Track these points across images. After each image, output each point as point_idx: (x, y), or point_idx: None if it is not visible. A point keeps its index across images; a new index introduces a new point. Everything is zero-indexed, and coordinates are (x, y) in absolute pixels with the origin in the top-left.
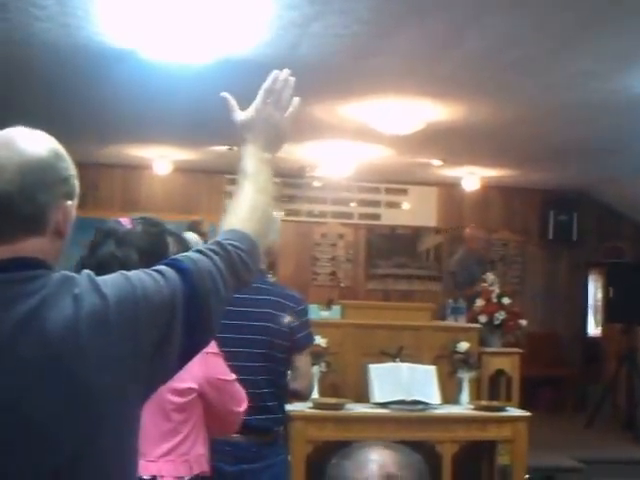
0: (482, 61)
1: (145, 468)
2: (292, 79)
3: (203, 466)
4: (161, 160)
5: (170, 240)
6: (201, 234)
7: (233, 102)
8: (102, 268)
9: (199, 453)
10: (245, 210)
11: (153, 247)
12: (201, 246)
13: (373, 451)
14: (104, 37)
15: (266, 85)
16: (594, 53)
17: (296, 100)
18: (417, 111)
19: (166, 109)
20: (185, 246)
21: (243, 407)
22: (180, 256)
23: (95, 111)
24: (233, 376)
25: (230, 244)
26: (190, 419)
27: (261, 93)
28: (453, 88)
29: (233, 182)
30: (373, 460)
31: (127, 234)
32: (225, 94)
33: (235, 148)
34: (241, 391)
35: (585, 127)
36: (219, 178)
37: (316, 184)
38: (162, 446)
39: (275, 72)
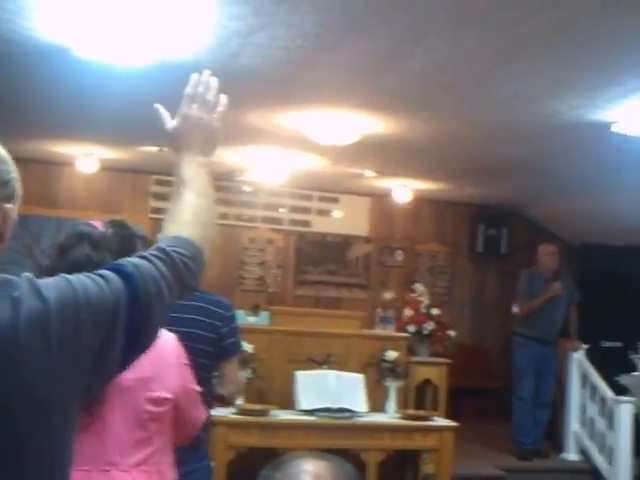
0: (422, 78)
1: (118, 478)
2: (214, 79)
3: (172, 474)
4: (87, 158)
5: (138, 243)
6: None
7: (164, 113)
8: (76, 271)
9: (169, 462)
10: (187, 215)
11: (125, 250)
12: (145, 252)
13: (306, 462)
14: (36, 32)
15: (188, 90)
16: (528, 77)
17: (224, 98)
18: (354, 123)
19: (97, 108)
20: (128, 253)
21: (203, 419)
22: (123, 261)
23: (18, 105)
24: (198, 388)
25: (174, 250)
26: (163, 429)
27: (184, 99)
28: (392, 103)
29: (160, 183)
30: (306, 471)
31: (102, 237)
32: (157, 105)
33: (165, 149)
34: (202, 404)
35: (516, 147)
36: (146, 178)
37: (247, 188)
38: (136, 455)
39: (195, 75)
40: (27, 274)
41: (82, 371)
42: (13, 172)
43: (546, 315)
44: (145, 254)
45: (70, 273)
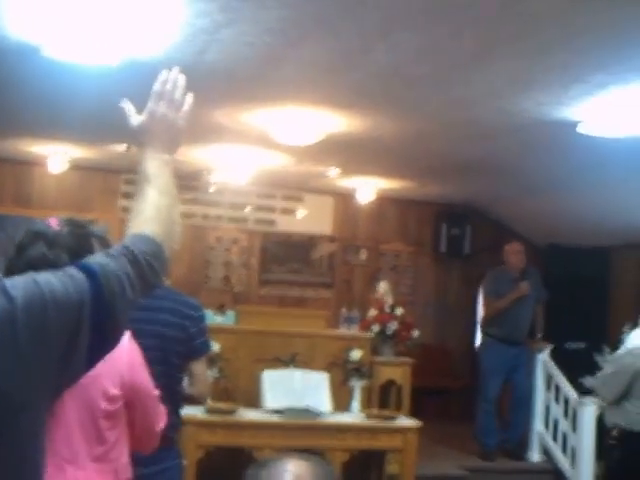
0: (388, 75)
1: (73, 476)
2: (182, 77)
3: (128, 473)
4: (56, 157)
5: (94, 242)
6: None
7: (130, 107)
8: (33, 269)
9: (125, 461)
10: (149, 213)
11: (81, 249)
12: (109, 250)
13: (289, 462)
14: (5, 31)
15: (156, 87)
16: (494, 75)
17: (190, 97)
18: (319, 121)
19: (66, 107)
20: (81, 252)
21: (163, 425)
22: (87, 259)
23: None
24: (157, 392)
25: (136, 248)
26: (116, 427)
27: (152, 96)
28: (357, 100)
29: (129, 182)
30: (289, 471)
31: (57, 235)
32: (123, 102)
33: (132, 148)
34: (162, 408)
35: (482, 146)
36: (115, 177)
37: (212, 188)
38: (90, 453)
39: (164, 72)
40: None
41: (50, 369)
42: None
43: (514, 315)
44: (109, 251)
45: (27, 271)
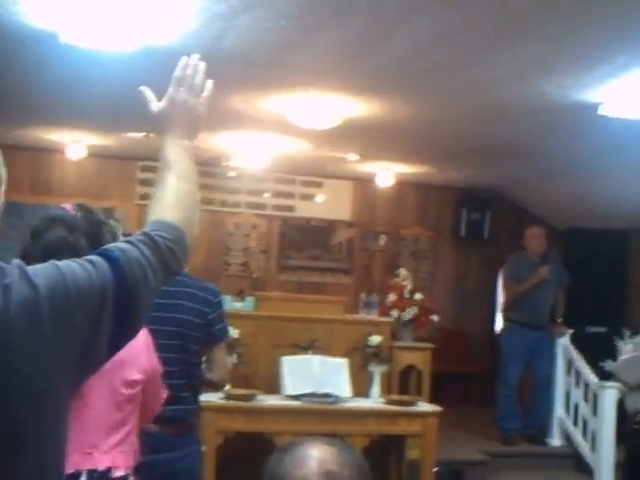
0: (406, 60)
1: (99, 460)
2: (202, 63)
3: (139, 455)
4: (75, 145)
5: (104, 228)
6: (115, 221)
7: (150, 94)
8: (51, 254)
9: (138, 442)
10: (170, 199)
11: (95, 234)
12: (130, 237)
13: (313, 447)
14: (22, 17)
15: (176, 73)
16: (513, 57)
17: (209, 83)
18: (337, 106)
19: (84, 94)
20: (114, 236)
21: (165, 394)
22: (110, 246)
23: (7, 92)
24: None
25: (157, 234)
26: (135, 410)
27: (173, 81)
28: (376, 85)
29: (146, 169)
30: (313, 457)
31: (75, 219)
32: (143, 88)
33: (151, 135)
34: (163, 385)
35: (502, 129)
36: (132, 164)
37: (231, 174)
38: (114, 437)
39: (184, 58)
40: (17, 261)
41: (73, 356)
42: None
43: (534, 299)
44: (130, 239)
45: (45, 256)
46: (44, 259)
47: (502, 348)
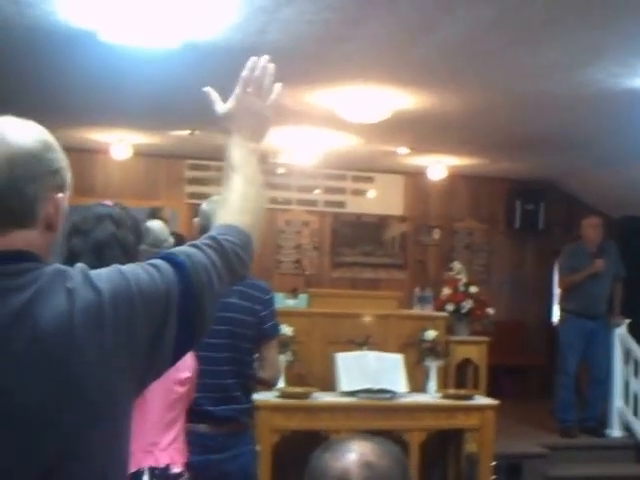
0: (453, 50)
1: (160, 457)
2: (272, 65)
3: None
4: (120, 144)
5: (140, 225)
6: (163, 220)
7: (215, 95)
8: (102, 250)
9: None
10: (237, 203)
11: (136, 230)
12: (197, 241)
13: (352, 443)
14: (61, 16)
15: (244, 73)
16: (564, 45)
17: (278, 86)
18: (385, 99)
19: (127, 93)
20: (139, 232)
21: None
22: (175, 250)
23: (51, 93)
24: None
25: (224, 239)
26: (184, 408)
27: (240, 82)
28: (423, 76)
29: (194, 167)
30: (352, 450)
31: (121, 216)
32: (207, 88)
33: (197, 133)
34: None
35: (553, 119)
36: (179, 163)
37: (280, 171)
38: (169, 434)
39: (253, 59)
40: (80, 264)
41: (137, 361)
42: (63, 161)
43: (590, 289)
44: (197, 243)
45: (96, 252)
46: (95, 255)
47: (560, 338)
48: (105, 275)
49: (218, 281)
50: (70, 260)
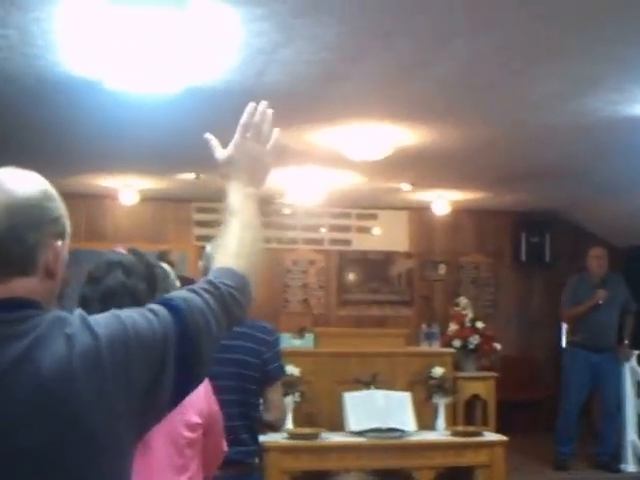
0: (451, 84)
1: None
2: (270, 111)
3: None
4: (127, 190)
5: (157, 271)
6: (170, 264)
7: (215, 141)
8: (111, 298)
9: None
10: (233, 247)
11: (151, 276)
12: (193, 285)
13: None
14: (66, 67)
15: (243, 120)
16: (560, 76)
17: (276, 131)
18: (386, 136)
19: (132, 138)
20: (166, 277)
21: (226, 446)
22: (172, 295)
23: (59, 141)
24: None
25: (221, 282)
26: (196, 455)
27: (239, 128)
28: (422, 111)
29: (201, 210)
30: None
31: (133, 264)
32: (208, 135)
33: (202, 176)
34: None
35: (554, 149)
36: (186, 206)
37: (286, 210)
38: None
39: (251, 105)
40: (79, 310)
41: (135, 404)
42: (62, 209)
43: (595, 321)
44: (193, 287)
45: (105, 300)
46: (104, 304)
47: (563, 368)
48: (103, 320)
49: (215, 324)
50: (81, 307)
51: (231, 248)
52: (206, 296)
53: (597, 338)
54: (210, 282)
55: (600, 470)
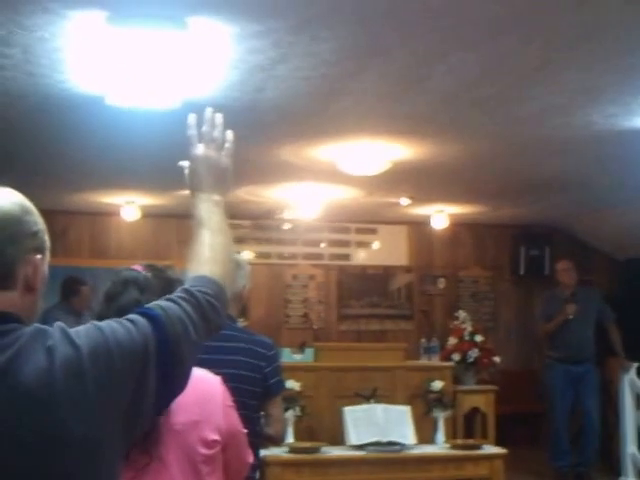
0: (449, 98)
1: None
2: (219, 115)
3: None
4: (129, 206)
5: (176, 286)
6: None
7: (185, 164)
8: (124, 316)
9: None
10: (206, 254)
11: (169, 292)
12: (170, 295)
13: None
14: (69, 85)
15: (190, 131)
16: (557, 89)
17: (230, 134)
18: (384, 151)
19: (133, 154)
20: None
21: (251, 459)
22: (150, 305)
23: (62, 158)
24: (245, 430)
25: (198, 290)
26: (216, 470)
27: (191, 140)
28: (420, 126)
29: None
30: None
31: (147, 280)
32: (181, 163)
33: None
34: (248, 444)
35: (553, 162)
36: (189, 222)
37: (286, 226)
38: None
39: (192, 116)
40: (59, 323)
41: (118, 414)
42: (40, 223)
43: (569, 335)
44: (170, 296)
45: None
46: None
47: (544, 386)
48: (83, 331)
49: (194, 331)
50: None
51: (204, 256)
52: (183, 304)
53: (573, 352)
54: (186, 290)
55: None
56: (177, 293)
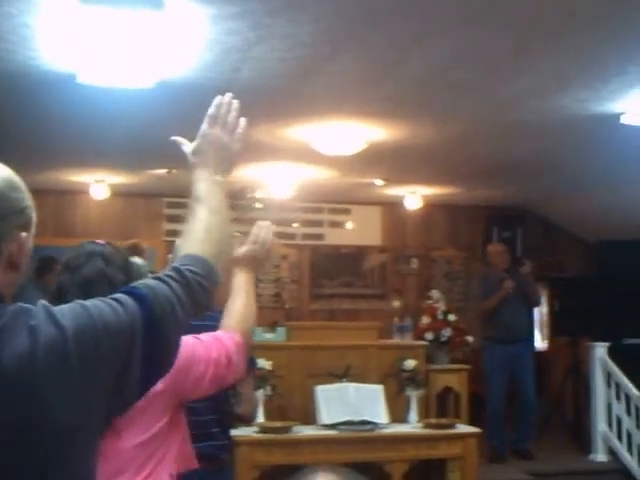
0: (424, 81)
1: None
2: (236, 102)
3: None
4: (98, 185)
5: (133, 264)
6: (141, 254)
7: (181, 139)
8: (90, 286)
9: (170, 473)
10: (200, 233)
11: (129, 269)
12: (159, 273)
13: (319, 476)
14: (40, 61)
15: (210, 111)
16: (531, 74)
17: (243, 121)
18: (359, 132)
19: (105, 133)
20: (139, 271)
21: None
22: (137, 284)
23: (31, 136)
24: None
25: (187, 269)
26: (165, 438)
27: (207, 119)
28: (395, 108)
29: (172, 205)
30: None
31: (112, 253)
32: (174, 138)
33: (174, 171)
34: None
35: (525, 146)
36: (158, 202)
37: (258, 205)
38: (139, 464)
39: (218, 98)
40: (43, 302)
41: (104, 396)
42: (28, 200)
43: (505, 315)
44: (159, 275)
45: (83, 288)
46: (82, 292)
47: (482, 366)
48: (68, 311)
49: (182, 311)
50: (58, 296)
51: (197, 234)
52: (172, 283)
53: (510, 331)
54: (176, 269)
55: (517, 457)
56: (167, 272)
